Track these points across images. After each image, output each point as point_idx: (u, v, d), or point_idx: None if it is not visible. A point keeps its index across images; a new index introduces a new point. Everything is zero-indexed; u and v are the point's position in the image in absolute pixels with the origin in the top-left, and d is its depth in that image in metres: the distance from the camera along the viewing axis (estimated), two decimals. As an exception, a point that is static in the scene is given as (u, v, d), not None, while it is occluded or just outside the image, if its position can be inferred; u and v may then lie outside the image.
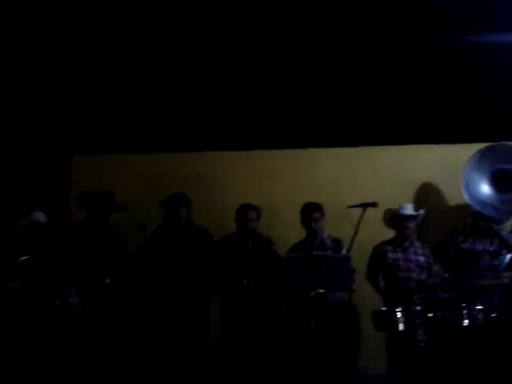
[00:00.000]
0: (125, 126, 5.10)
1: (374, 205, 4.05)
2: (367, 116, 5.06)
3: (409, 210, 4.43)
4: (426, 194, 5.13)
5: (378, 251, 4.41)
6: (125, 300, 4.19)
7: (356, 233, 3.91)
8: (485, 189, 4.58)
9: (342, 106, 5.05)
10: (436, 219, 4.70)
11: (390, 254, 4.37)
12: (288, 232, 4.59)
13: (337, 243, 4.31)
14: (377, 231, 4.48)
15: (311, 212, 4.34)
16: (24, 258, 3.37)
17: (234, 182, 5.04)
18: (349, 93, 5.04)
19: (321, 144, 5.01)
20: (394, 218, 4.42)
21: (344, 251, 4.04)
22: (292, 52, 4.85)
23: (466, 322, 3.76)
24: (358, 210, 4.02)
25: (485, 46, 4.59)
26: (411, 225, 4.37)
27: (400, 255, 4.36)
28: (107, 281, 3.99)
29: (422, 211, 4.45)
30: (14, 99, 4.89)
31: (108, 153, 5.09)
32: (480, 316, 3.77)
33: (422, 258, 4.36)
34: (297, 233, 4.46)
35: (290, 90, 5.07)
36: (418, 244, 4.42)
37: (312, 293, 3.90)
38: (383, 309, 4.04)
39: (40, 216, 3.79)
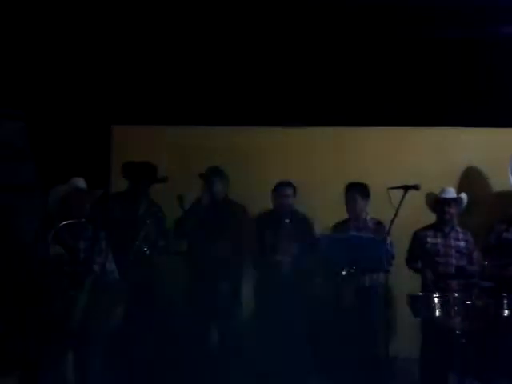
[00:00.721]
0: (166, 98, 5.09)
1: (415, 187, 3.94)
2: (413, 96, 4.93)
3: (450, 193, 4.29)
4: (471, 179, 4.99)
5: (418, 236, 4.32)
6: (162, 270, 4.24)
7: (396, 215, 3.82)
8: (533, 176, 4.42)
9: (389, 85, 4.91)
10: (479, 205, 4.58)
11: (429, 239, 4.27)
12: (326, 210, 4.54)
13: (378, 226, 4.24)
14: (418, 214, 4.39)
15: (353, 193, 4.27)
16: (65, 222, 3.41)
17: (273, 157, 5.00)
18: (394, 72, 4.91)
19: (365, 123, 4.91)
20: (435, 202, 4.30)
21: (384, 234, 3.95)
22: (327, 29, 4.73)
23: (507, 312, 3.66)
24: (400, 192, 3.92)
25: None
26: (451, 209, 4.24)
27: (440, 240, 4.26)
28: (145, 249, 4.03)
29: (463, 195, 4.31)
30: (55, 70, 4.93)
31: (147, 124, 5.12)
32: (521, 307, 3.66)
33: (462, 244, 4.25)
34: (334, 211, 4.40)
35: (333, 67, 4.96)
36: (459, 229, 4.30)
37: (344, 271, 3.86)
38: (420, 293, 3.97)
39: (80, 182, 3.83)
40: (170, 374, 4.05)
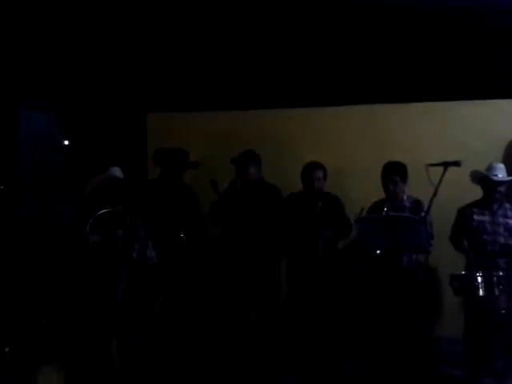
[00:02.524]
0: (198, 84, 5.10)
1: (456, 164, 3.79)
2: (454, 69, 4.73)
3: (500, 171, 4.07)
4: (515, 152, 4.77)
5: (463, 214, 4.16)
6: (198, 255, 4.27)
7: (436, 193, 3.69)
8: None
9: (427, 60, 4.74)
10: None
11: (475, 217, 4.10)
12: (364, 190, 4.45)
13: (416, 204, 4.11)
14: (459, 192, 4.22)
15: (391, 174, 4.13)
16: (102, 211, 3.48)
17: (305, 139, 4.94)
18: (434, 45, 4.72)
19: (398, 99, 4.76)
20: (483, 181, 4.12)
21: (423, 213, 3.83)
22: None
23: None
24: (440, 169, 3.79)
25: None
26: (502, 189, 4.06)
27: (487, 218, 4.08)
28: (182, 235, 4.07)
29: (508, 176, 4.09)
30: (93, 59, 5.01)
31: (182, 111, 5.14)
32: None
33: (511, 222, 4.07)
34: (375, 192, 4.25)
35: (366, 46, 4.82)
36: (508, 206, 4.10)
37: (378, 252, 3.78)
38: (462, 273, 3.84)
39: (117, 171, 3.89)
40: (210, 357, 4.10)
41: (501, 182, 4.04)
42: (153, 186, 4.41)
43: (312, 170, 4.32)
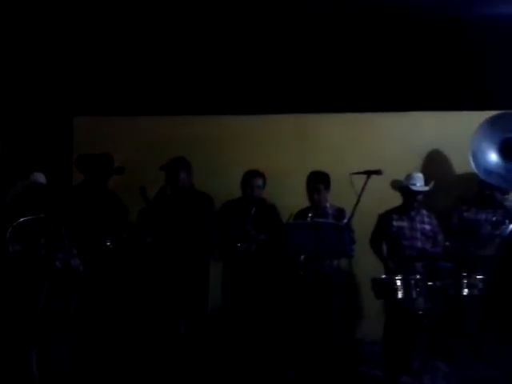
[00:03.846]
0: (128, 88, 5.03)
1: (378, 172, 3.98)
2: (375, 81, 4.95)
3: (418, 180, 4.31)
4: (433, 162, 5.05)
5: (383, 219, 4.37)
6: (126, 262, 4.21)
7: (359, 200, 3.86)
8: (492, 157, 4.50)
9: (350, 72, 4.93)
10: (443, 187, 4.63)
11: (395, 223, 4.32)
12: (293, 198, 4.55)
13: (339, 212, 4.27)
14: (380, 199, 4.43)
15: (315, 183, 4.28)
16: (24, 218, 3.35)
17: (236, 146, 4.99)
18: (357, 58, 4.92)
19: (327, 109, 4.93)
20: (403, 189, 4.34)
21: (346, 220, 3.99)
22: (299, 19, 4.71)
23: (466, 291, 3.74)
24: (362, 177, 3.96)
25: (493, 17, 4.43)
26: (420, 197, 4.29)
27: (405, 223, 4.31)
28: (108, 243, 4.00)
29: (432, 185, 4.33)
30: (15, 60, 4.82)
31: (110, 115, 5.04)
32: (480, 286, 3.75)
33: (427, 227, 4.31)
34: (301, 199, 4.39)
35: (295, 54, 4.95)
36: (424, 212, 4.36)
37: (302, 258, 3.90)
38: (383, 276, 4.03)
39: (40, 177, 3.77)
40: (137, 363, 4.04)
41: (419, 192, 4.27)
42: (76, 192, 4.29)
43: (251, 177, 4.38)
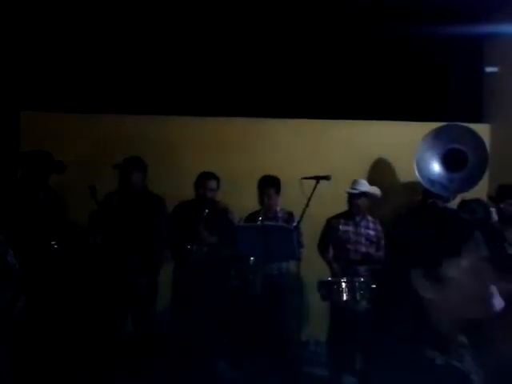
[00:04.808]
0: (81, 85, 4.94)
1: (326, 178, 4.09)
2: (325, 90, 5.09)
3: (361, 185, 4.45)
4: (380, 170, 5.23)
5: (330, 224, 4.49)
6: (73, 263, 4.13)
7: (308, 204, 3.95)
8: (435, 167, 4.70)
9: (301, 79, 5.04)
10: (389, 195, 4.80)
11: (341, 227, 4.44)
12: (244, 202, 4.59)
13: (289, 216, 4.34)
14: (329, 204, 4.54)
15: (265, 187, 4.32)
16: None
17: (190, 148, 4.99)
18: (308, 66, 5.04)
19: (278, 115, 5.01)
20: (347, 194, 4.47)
21: (295, 223, 4.08)
22: (258, 25, 4.79)
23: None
24: (312, 182, 4.06)
25: (439, 36, 4.64)
26: (357, 201, 4.40)
27: (351, 228, 4.43)
28: (53, 243, 3.91)
29: (367, 188, 4.43)
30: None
31: (62, 111, 4.93)
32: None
33: (372, 232, 4.44)
34: (253, 203, 4.45)
35: (251, 59, 5.02)
36: (369, 218, 4.50)
37: (251, 260, 3.95)
38: (329, 279, 4.13)
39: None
40: (81, 363, 3.98)
41: (355, 195, 4.39)
42: (15, 189, 4.14)
43: (205, 179, 4.37)
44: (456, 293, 1.27)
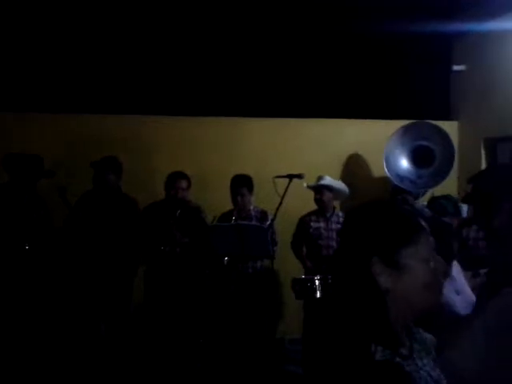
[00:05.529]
0: (54, 86, 4.88)
1: (299, 176, 4.12)
2: (298, 89, 5.13)
3: (324, 181, 4.45)
4: (353, 167, 5.31)
5: (303, 221, 4.52)
6: (46, 265, 4.09)
7: (281, 203, 3.98)
8: (404, 163, 4.79)
9: (273, 78, 5.08)
10: (360, 191, 4.87)
11: (312, 224, 4.47)
12: (217, 201, 4.60)
13: (262, 214, 4.36)
14: (302, 202, 4.59)
15: (238, 187, 4.31)
16: None
17: (162, 147, 4.99)
18: (282, 66, 5.08)
19: (251, 114, 5.04)
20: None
21: (268, 222, 4.10)
22: (224, 25, 4.80)
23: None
24: (285, 181, 4.09)
25: (411, 36, 4.71)
26: (318, 196, 4.42)
27: (322, 224, 4.46)
28: (26, 247, 3.87)
29: (327, 182, 4.44)
30: None
31: (33, 111, 4.87)
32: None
33: None
34: (226, 202, 4.45)
35: (224, 59, 5.03)
36: (340, 213, 4.54)
37: (225, 259, 3.97)
38: (302, 277, 4.17)
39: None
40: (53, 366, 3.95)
41: (315, 189, 4.41)
42: (1, 192, 4.10)
43: (176, 179, 4.34)
44: (410, 281, 1.31)
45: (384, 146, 4.91)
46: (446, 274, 1.40)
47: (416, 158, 4.76)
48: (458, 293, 2.28)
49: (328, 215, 4.49)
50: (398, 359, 1.28)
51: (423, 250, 1.32)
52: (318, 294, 3.96)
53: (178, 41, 4.96)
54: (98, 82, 4.94)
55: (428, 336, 1.43)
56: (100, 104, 4.92)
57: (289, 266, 4.58)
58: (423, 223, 1.35)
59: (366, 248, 1.33)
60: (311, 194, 4.54)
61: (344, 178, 5.08)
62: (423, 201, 4.64)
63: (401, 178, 4.66)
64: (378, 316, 1.30)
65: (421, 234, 1.33)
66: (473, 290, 2.36)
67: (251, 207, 4.40)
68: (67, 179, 4.37)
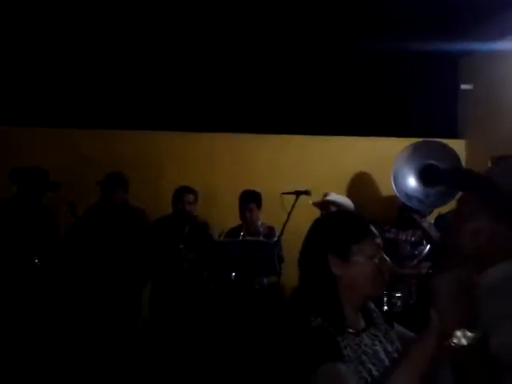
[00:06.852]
0: (62, 100, 4.93)
1: (306, 193, 4.14)
2: (306, 106, 5.17)
3: (329, 197, 4.48)
4: (360, 184, 5.32)
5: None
6: (55, 280, 4.10)
7: (288, 219, 4.00)
8: (412, 182, 4.79)
9: (284, 94, 5.12)
10: (367, 208, 4.87)
11: None
12: (225, 216, 4.62)
13: (270, 230, 4.37)
14: (309, 218, 4.56)
15: (247, 202, 4.33)
16: None
17: (171, 163, 5.02)
18: (289, 83, 5.12)
19: (259, 130, 5.07)
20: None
21: (275, 238, 4.11)
22: (236, 44, 4.86)
23: (385, 308, 3.93)
24: (292, 197, 4.11)
25: (418, 53, 4.75)
26: (323, 212, 4.37)
27: None
28: (36, 260, 3.90)
29: (332, 198, 4.46)
30: None
31: (41, 126, 4.91)
32: (398, 303, 3.95)
33: None
34: (234, 217, 4.47)
35: (233, 75, 5.08)
36: None
37: (233, 275, 3.98)
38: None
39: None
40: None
41: (320, 205, 4.43)
42: (6, 205, 4.14)
43: (183, 193, 4.37)
44: (357, 272, 1.65)
45: (391, 164, 4.92)
46: (391, 271, 1.73)
47: (424, 177, 4.77)
48: None
49: None
50: (331, 329, 1.57)
51: (369, 248, 1.67)
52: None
53: (187, 58, 5.01)
54: (107, 97, 4.99)
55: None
56: (109, 120, 4.97)
57: (295, 282, 4.56)
58: (372, 228, 1.70)
59: (324, 245, 1.69)
60: (318, 210, 4.55)
61: (351, 195, 5.08)
62: (430, 219, 4.64)
63: (409, 196, 4.66)
64: (329, 296, 1.65)
65: (368, 235, 1.68)
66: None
67: (259, 223, 4.42)
68: (76, 194, 4.40)
